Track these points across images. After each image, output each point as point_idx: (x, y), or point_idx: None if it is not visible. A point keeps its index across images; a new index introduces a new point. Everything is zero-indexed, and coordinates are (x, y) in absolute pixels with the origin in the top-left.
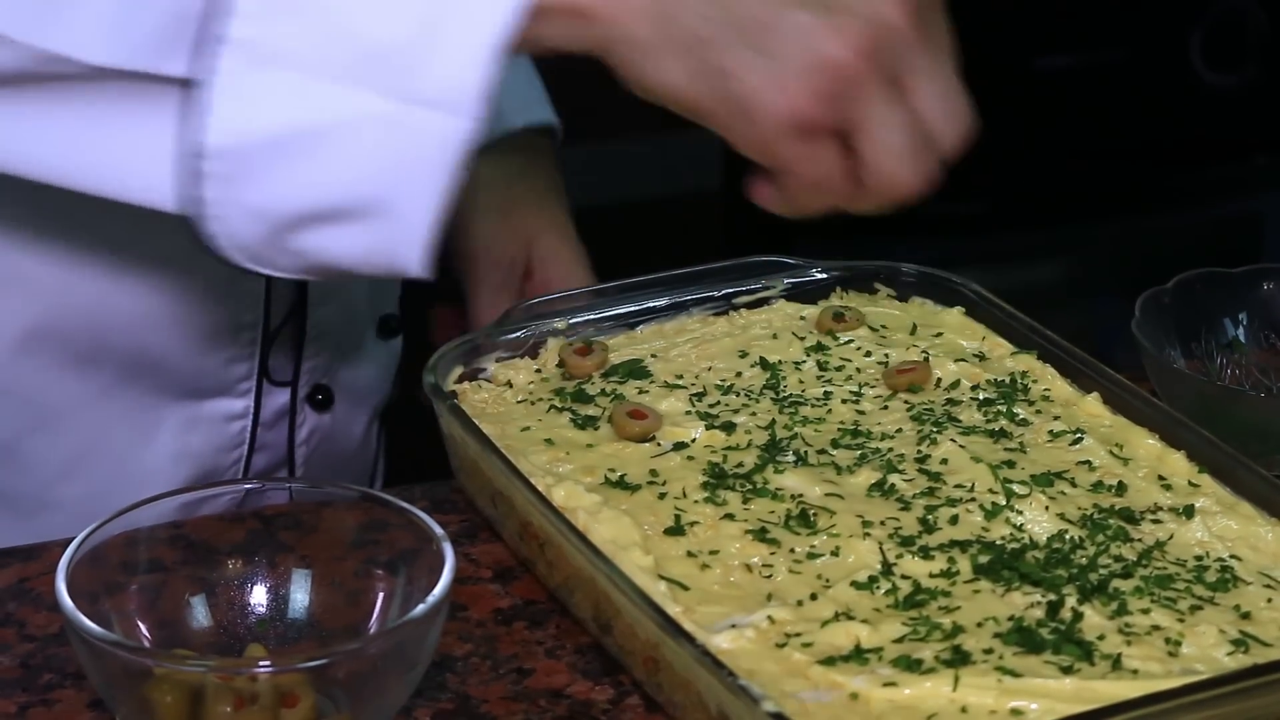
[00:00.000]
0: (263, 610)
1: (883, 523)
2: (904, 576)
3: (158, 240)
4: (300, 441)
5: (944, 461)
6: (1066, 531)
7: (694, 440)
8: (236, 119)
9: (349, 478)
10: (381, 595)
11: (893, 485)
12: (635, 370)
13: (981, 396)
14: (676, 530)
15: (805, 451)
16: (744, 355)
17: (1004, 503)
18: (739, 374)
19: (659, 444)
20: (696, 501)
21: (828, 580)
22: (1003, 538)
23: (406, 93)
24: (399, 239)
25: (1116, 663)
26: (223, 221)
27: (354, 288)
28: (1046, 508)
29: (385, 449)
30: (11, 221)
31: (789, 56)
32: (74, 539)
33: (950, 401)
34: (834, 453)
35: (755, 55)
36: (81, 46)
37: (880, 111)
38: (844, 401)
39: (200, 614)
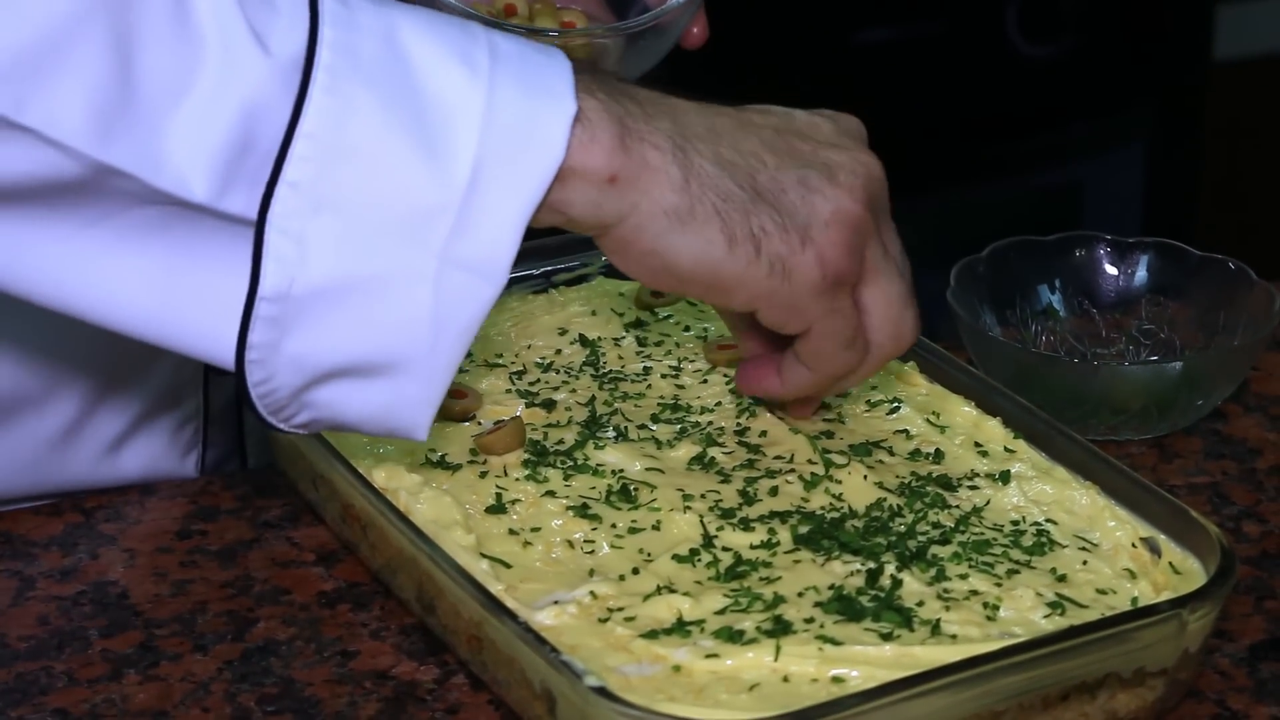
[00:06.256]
0: None
1: (703, 496)
2: (725, 548)
3: None
4: (250, 429)
5: (763, 434)
6: (885, 500)
7: (514, 418)
8: (291, 263)
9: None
10: None
11: (713, 458)
12: None
13: None
14: (498, 509)
15: (625, 427)
16: (563, 333)
17: (823, 473)
18: (558, 351)
19: (479, 423)
20: (517, 479)
21: (649, 554)
22: (822, 508)
23: (447, 253)
24: (412, 397)
25: (935, 628)
26: (262, 367)
27: None
28: (865, 477)
29: None
30: None
31: (811, 214)
32: None
33: None
34: (654, 427)
35: (777, 214)
36: (144, 166)
37: (881, 260)
38: (663, 376)
39: None
